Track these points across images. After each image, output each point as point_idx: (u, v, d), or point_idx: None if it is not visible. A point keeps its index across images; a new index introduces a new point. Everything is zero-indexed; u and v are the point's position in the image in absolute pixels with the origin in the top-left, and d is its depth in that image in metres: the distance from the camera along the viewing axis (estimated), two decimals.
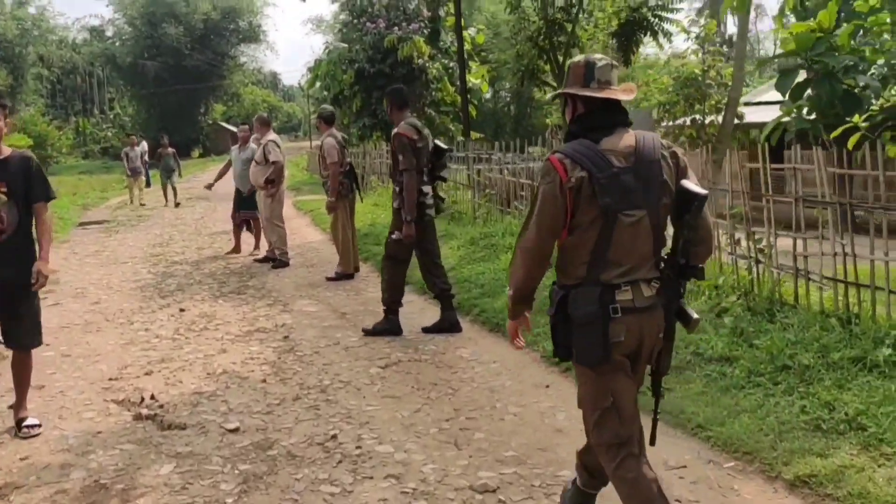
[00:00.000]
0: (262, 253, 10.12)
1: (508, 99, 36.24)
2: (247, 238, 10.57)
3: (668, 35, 11.35)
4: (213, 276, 8.87)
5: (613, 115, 2.64)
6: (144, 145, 30.14)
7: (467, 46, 24.35)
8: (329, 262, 9.82)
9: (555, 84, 13.43)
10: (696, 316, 2.64)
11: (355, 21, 22.17)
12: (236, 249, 10.57)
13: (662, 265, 2.63)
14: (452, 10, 23.48)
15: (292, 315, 6.93)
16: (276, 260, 9.48)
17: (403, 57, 20.66)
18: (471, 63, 25.02)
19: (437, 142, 6.21)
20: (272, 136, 9.50)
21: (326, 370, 5.27)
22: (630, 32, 11.49)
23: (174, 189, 18.08)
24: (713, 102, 9.51)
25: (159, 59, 52.04)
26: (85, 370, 5.41)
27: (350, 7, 22.66)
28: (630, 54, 12.16)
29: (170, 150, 18.05)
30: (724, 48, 9.71)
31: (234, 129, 61.80)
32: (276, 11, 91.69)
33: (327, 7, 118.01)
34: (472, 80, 24.50)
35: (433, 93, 22.72)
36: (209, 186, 11.67)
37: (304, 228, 13.04)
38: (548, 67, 13.19)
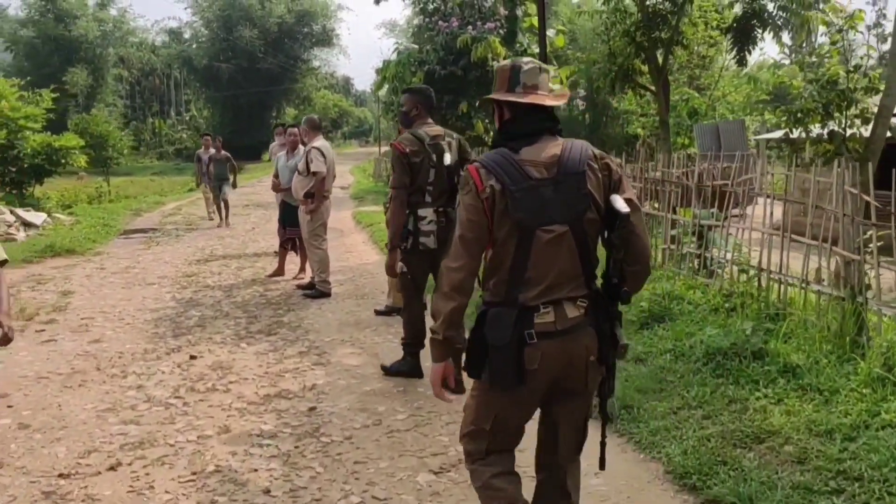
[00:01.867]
0: (308, 278, 8.74)
1: (583, 107, 34.37)
2: (293, 258, 9.21)
3: (795, 28, 9.51)
4: (245, 308, 7.47)
5: (539, 123, 2.53)
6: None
7: (547, 49, 22.83)
8: (384, 289, 8.34)
9: (653, 88, 11.69)
10: (624, 341, 2.54)
11: (427, 20, 20.77)
12: (279, 272, 9.21)
13: (595, 284, 2.52)
14: (530, 10, 22.07)
15: (327, 370, 5.44)
16: (314, 288, 8.06)
17: (477, 58, 19.16)
18: (549, 67, 23.51)
19: None
20: (319, 141, 8.07)
21: (357, 475, 3.74)
22: (747, 28, 9.70)
23: (226, 204, 14.54)
24: (858, 111, 7.63)
25: (234, 61, 52.29)
26: (35, 455, 4.01)
27: (422, 6, 21.26)
28: (746, 53, 10.37)
29: (223, 153, 14.60)
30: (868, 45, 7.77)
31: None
32: (350, 15, 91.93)
33: (400, 11, 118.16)
34: (553, 85, 22.95)
35: None
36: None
37: (361, 246, 11.60)
38: (646, 68, 11.46)
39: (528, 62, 2.59)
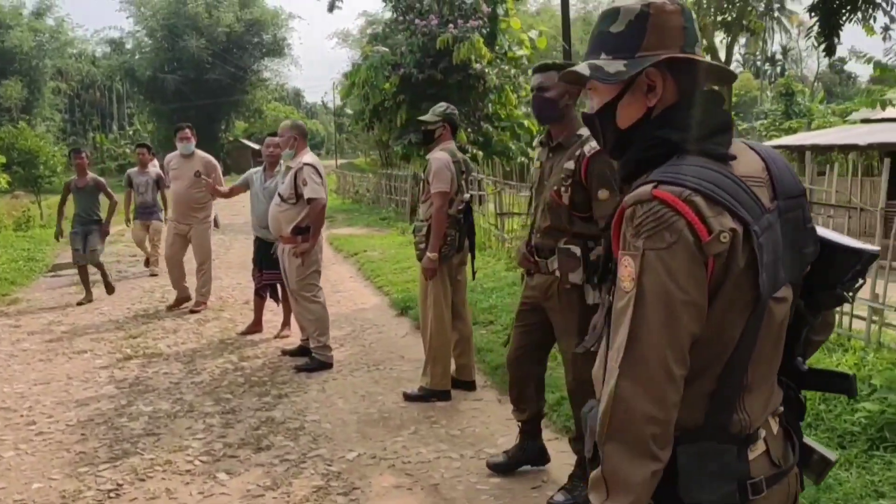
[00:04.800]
0: (293, 335, 6.58)
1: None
2: (271, 305, 7.02)
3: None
4: (215, 394, 5.23)
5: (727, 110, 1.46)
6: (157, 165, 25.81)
7: (527, 52, 20.95)
8: (401, 352, 6.23)
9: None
10: (833, 457, 1.56)
11: (401, 18, 18.68)
12: (255, 327, 6.99)
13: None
14: (511, 7, 20.15)
15: None
16: (310, 357, 5.89)
17: (460, 60, 17.15)
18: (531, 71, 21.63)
19: None
20: (309, 156, 5.92)
21: None
22: (833, 9, 7.89)
23: (100, 270, 8.75)
24: None
25: (180, 72, 49.90)
26: None
27: (394, 2, 19.16)
28: (834, 39, 8.55)
29: (90, 177, 8.69)
30: None
31: (256, 146, 59.63)
32: (301, 24, 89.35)
33: (353, 20, 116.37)
34: None
35: (489, 104, 19.25)
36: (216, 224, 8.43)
37: (350, 284, 9.38)
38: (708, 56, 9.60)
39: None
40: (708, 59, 1.52)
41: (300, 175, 5.68)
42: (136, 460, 4.09)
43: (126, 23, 75.36)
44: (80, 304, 8.47)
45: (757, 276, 1.30)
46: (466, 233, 5.09)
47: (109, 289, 8.82)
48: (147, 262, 10.68)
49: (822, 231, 1.51)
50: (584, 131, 3.39)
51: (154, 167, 10.26)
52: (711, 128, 1.40)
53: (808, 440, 1.57)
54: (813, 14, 7.66)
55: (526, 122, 19.46)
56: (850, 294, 1.51)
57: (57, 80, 55.26)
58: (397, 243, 11.92)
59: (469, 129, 18.23)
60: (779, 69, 68.31)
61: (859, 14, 8.01)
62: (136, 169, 10.14)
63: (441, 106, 5.16)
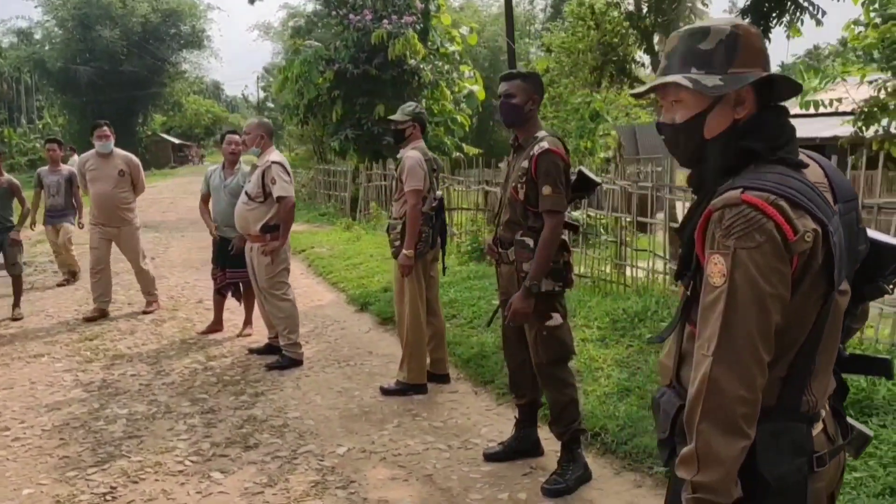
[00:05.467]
0: (256, 334, 6.59)
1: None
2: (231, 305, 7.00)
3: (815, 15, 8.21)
4: (190, 394, 5.21)
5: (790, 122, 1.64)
6: (76, 161, 24.16)
7: (458, 48, 21.13)
8: (368, 347, 6.33)
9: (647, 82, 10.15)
10: (869, 432, 1.75)
11: (334, 13, 18.57)
12: (216, 326, 6.93)
13: None
14: (443, 3, 20.31)
15: None
16: (282, 354, 5.91)
17: (395, 56, 17.19)
18: (462, 67, 21.82)
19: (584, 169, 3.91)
20: (276, 154, 5.93)
21: None
22: (763, 11, 8.27)
23: (16, 283, 7.85)
24: None
25: (93, 64, 48.01)
26: None
27: None
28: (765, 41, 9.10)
29: (64, 168, 9.31)
30: None
31: (175, 140, 57.96)
32: (221, 16, 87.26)
33: (274, 13, 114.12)
34: (467, 85, 21.27)
35: (423, 100, 19.35)
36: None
37: (302, 280, 9.35)
38: (648, 58, 9.90)
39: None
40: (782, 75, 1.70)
41: (268, 173, 5.69)
42: (124, 463, 4.07)
43: (35, 12, 72.07)
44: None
45: (830, 272, 1.49)
46: (438, 230, 5.22)
47: (17, 303, 7.71)
48: (71, 276, 9.55)
49: (869, 231, 1.71)
50: (541, 133, 3.64)
51: (67, 165, 9.57)
52: (785, 138, 1.59)
53: (848, 419, 1.77)
54: (745, 17, 8.06)
55: (459, 118, 19.65)
56: (891, 287, 1.72)
57: None
58: (344, 239, 11.94)
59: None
60: None
61: (787, 17, 8.49)
62: (46, 168, 9.26)
63: (410, 105, 5.30)
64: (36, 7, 69.73)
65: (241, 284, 6.72)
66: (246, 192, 5.88)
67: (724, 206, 1.49)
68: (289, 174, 5.79)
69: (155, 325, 7.20)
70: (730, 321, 1.45)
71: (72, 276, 9.59)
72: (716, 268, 1.48)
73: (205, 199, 6.89)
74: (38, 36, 53.87)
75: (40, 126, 56.21)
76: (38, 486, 3.81)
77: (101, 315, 7.51)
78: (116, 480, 3.86)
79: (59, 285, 9.42)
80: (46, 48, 51.35)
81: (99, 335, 6.83)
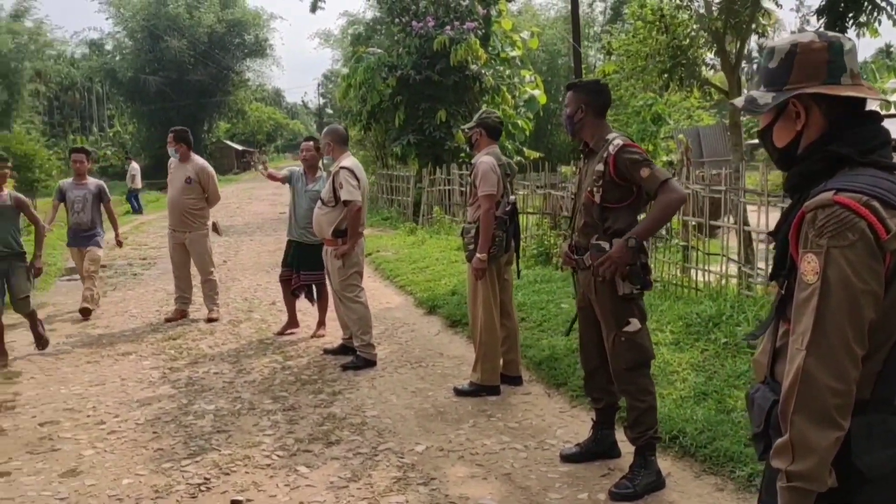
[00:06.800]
0: (329, 335, 6.77)
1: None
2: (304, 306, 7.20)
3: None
4: (271, 392, 5.41)
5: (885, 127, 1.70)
6: (136, 168, 23.83)
7: (519, 52, 21.18)
8: (439, 349, 6.45)
9: (719, 86, 10.00)
10: None
11: (397, 21, 18.82)
12: (292, 326, 7.14)
13: None
14: (504, 9, 20.39)
15: None
16: (354, 355, 6.07)
17: (457, 62, 17.34)
18: (523, 72, 21.86)
19: None
20: (349, 159, 6.10)
21: None
22: (839, 11, 8.09)
23: (31, 319, 6.66)
24: None
25: (161, 73, 49.48)
26: None
27: (390, 4, 19.31)
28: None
29: (5, 193, 6.82)
30: None
31: (239, 146, 59.22)
32: (283, 25, 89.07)
33: (335, 21, 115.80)
34: (528, 89, 21.30)
35: (485, 105, 19.45)
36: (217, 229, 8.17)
37: (369, 282, 9.50)
38: (718, 60, 9.82)
39: (847, 39, 1.72)
40: (848, 89, 1.70)
41: (337, 178, 5.86)
42: (215, 456, 4.26)
43: (106, 24, 74.69)
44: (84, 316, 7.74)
45: None
46: (512, 234, 5.30)
47: (41, 342, 6.60)
48: (85, 313, 7.84)
49: None
50: (611, 135, 3.70)
51: (94, 179, 8.50)
52: (877, 142, 1.64)
53: None
54: (820, 17, 7.94)
55: (520, 123, 19.69)
56: None
57: (36, 83, 54.59)
58: (408, 243, 12.10)
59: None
60: None
61: (864, 17, 8.32)
62: (70, 180, 8.22)
63: (480, 112, 5.44)
64: (107, 19, 72.34)
65: (314, 287, 6.92)
66: (321, 198, 6.08)
67: (817, 207, 1.56)
68: (357, 179, 5.93)
69: (232, 326, 7.45)
70: (823, 316, 1.52)
71: (85, 313, 7.86)
72: (809, 266, 1.55)
73: (273, 176, 7.19)
74: (109, 47, 55.71)
75: (111, 134, 58.30)
76: (137, 477, 4.02)
77: (181, 316, 7.80)
78: (209, 472, 4.05)
79: (83, 319, 7.89)
80: (117, 58, 53.07)
81: (181, 335, 7.11)
